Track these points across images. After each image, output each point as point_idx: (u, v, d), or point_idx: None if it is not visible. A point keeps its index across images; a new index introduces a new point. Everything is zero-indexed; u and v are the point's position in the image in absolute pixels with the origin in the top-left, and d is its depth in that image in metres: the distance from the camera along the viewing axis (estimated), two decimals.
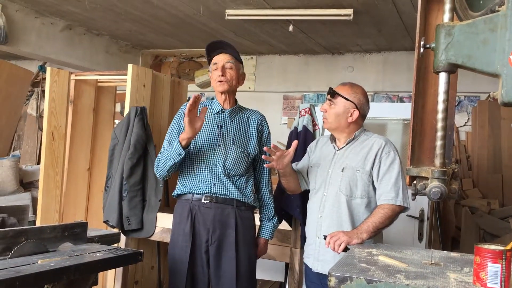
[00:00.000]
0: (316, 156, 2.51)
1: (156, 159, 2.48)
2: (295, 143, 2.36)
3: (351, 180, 2.29)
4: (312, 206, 2.44)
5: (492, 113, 5.57)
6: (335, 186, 2.32)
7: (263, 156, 2.37)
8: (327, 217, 2.32)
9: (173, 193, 2.53)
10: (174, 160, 2.35)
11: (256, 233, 2.57)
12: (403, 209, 2.25)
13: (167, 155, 2.38)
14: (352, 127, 2.39)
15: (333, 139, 2.46)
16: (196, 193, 2.42)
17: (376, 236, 2.27)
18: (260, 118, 2.58)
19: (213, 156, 2.43)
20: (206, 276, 2.41)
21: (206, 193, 2.40)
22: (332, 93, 2.36)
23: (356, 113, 2.37)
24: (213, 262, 2.39)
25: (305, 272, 2.53)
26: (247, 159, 2.48)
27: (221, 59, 2.46)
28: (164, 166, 2.40)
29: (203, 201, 2.40)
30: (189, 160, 2.47)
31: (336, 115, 2.35)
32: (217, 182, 2.41)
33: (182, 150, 2.32)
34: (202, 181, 2.41)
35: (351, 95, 2.37)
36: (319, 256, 2.32)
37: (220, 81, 2.44)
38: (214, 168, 2.42)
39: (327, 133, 2.55)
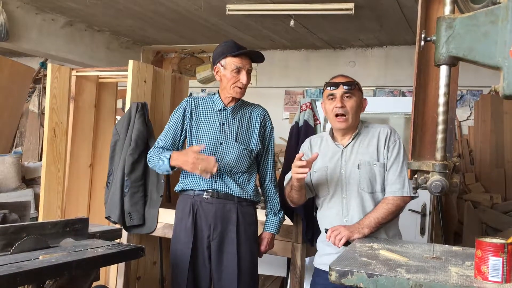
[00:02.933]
0: (317, 160, 2.28)
1: (149, 153, 2.51)
2: (315, 155, 2.14)
3: (371, 175, 2.19)
4: (329, 213, 2.25)
5: (495, 107, 5.55)
6: (355, 185, 2.19)
7: (299, 162, 2.09)
8: (355, 219, 2.17)
9: (175, 188, 2.54)
10: (162, 172, 2.48)
11: (259, 228, 2.57)
12: (409, 200, 2.19)
13: (157, 162, 2.43)
14: (359, 119, 2.30)
15: (332, 136, 2.32)
16: (198, 190, 2.42)
17: (393, 230, 2.23)
18: (263, 113, 2.56)
19: (215, 154, 2.42)
20: (207, 271, 2.41)
21: (208, 189, 2.40)
22: (353, 85, 2.21)
23: (366, 102, 2.30)
24: (215, 257, 2.39)
25: (318, 276, 2.31)
26: (249, 156, 2.47)
27: (246, 63, 2.40)
28: (154, 168, 2.52)
29: (204, 196, 2.40)
30: None
31: (357, 108, 2.23)
32: (218, 180, 2.40)
33: (171, 170, 2.41)
34: (203, 179, 2.40)
35: (359, 85, 2.29)
36: None
37: (241, 88, 2.41)
38: None
39: (328, 127, 2.49)
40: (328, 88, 2.25)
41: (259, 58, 2.46)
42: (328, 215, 2.27)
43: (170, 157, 2.35)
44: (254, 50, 2.47)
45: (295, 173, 2.10)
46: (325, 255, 2.28)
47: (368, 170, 2.19)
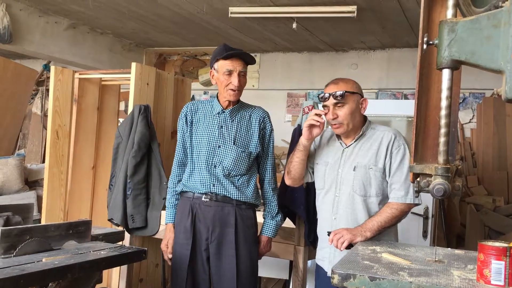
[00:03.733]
0: (322, 153, 2.38)
1: (171, 176, 2.61)
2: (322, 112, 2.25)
3: (365, 179, 2.20)
4: (323, 207, 2.35)
5: (497, 110, 5.54)
6: (348, 187, 2.23)
7: (319, 111, 2.24)
8: (342, 219, 2.23)
9: (177, 188, 2.55)
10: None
11: (259, 231, 2.57)
12: (413, 206, 2.19)
13: (167, 206, 2.62)
14: (362, 120, 2.30)
15: (338, 135, 2.35)
16: (197, 193, 2.43)
17: (391, 234, 2.24)
18: (263, 115, 2.54)
19: (213, 157, 2.43)
20: (206, 273, 2.42)
21: (206, 193, 2.41)
22: (342, 95, 2.20)
23: (366, 102, 2.29)
24: (213, 260, 2.39)
25: (317, 273, 2.45)
26: (248, 158, 2.47)
27: (237, 65, 2.39)
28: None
29: (203, 199, 2.41)
30: (190, 160, 2.49)
31: (351, 113, 2.22)
32: (216, 183, 2.41)
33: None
34: (201, 182, 2.42)
35: (353, 87, 2.26)
36: (335, 259, 2.21)
37: (234, 90, 2.40)
38: (213, 169, 2.42)
39: (329, 128, 2.48)
40: (321, 100, 2.27)
41: (251, 60, 2.46)
42: (322, 209, 2.35)
43: (168, 221, 2.59)
44: (244, 51, 2.44)
45: (309, 118, 2.22)
46: (320, 249, 2.38)
47: (363, 174, 2.20)
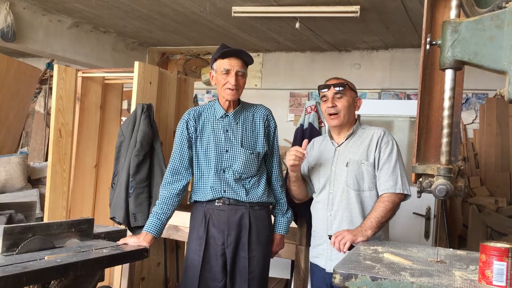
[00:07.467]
0: (315, 156, 2.47)
1: (163, 179, 2.47)
2: (305, 142, 2.35)
3: (357, 173, 2.28)
4: (318, 206, 2.41)
5: (500, 111, 5.54)
6: (342, 182, 2.30)
7: (299, 148, 2.32)
8: (337, 214, 2.30)
9: (188, 201, 2.53)
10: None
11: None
12: (403, 197, 2.25)
13: (154, 209, 2.46)
14: (354, 119, 2.42)
15: (330, 136, 2.45)
16: (208, 199, 2.40)
17: (383, 232, 2.26)
18: (266, 113, 2.52)
19: (221, 162, 2.39)
20: (221, 280, 2.36)
21: (218, 198, 2.39)
22: (343, 85, 2.33)
23: (360, 101, 2.42)
24: (230, 263, 2.36)
25: (312, 272, 2.49)
26: (257, 159, 2.44)
27: (234, 64, 2.36)
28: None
29: (216, 204, 2.38)
30: (198, 168, 2.45)
31: (349, 107, 2.35)
32: (227, 189, 2.37)
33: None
34: (212, 189, 2.38)
35: (351, 85, 2.41)
36: (332, 255, 2.28)
37: (232, 89, 2.36)
38: (222, 174, 2.38)
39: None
40: (321, 90, 2.39)
41: (248, 59, 2.43)
42: (316, 208, 2.43)
43: (145, 229, 2.38)
44: (240, 50, 2.41)
45: (290, 159, 2.30)
46: (314, 246, 2.44)
47: (356, 169, 2.29)
